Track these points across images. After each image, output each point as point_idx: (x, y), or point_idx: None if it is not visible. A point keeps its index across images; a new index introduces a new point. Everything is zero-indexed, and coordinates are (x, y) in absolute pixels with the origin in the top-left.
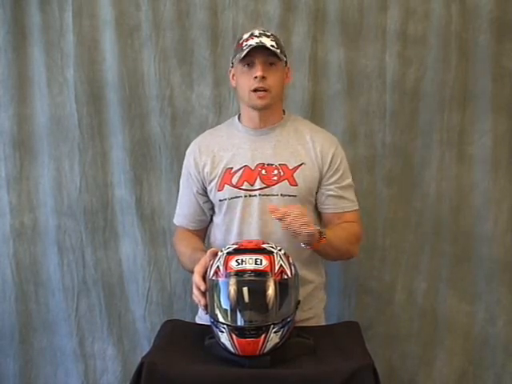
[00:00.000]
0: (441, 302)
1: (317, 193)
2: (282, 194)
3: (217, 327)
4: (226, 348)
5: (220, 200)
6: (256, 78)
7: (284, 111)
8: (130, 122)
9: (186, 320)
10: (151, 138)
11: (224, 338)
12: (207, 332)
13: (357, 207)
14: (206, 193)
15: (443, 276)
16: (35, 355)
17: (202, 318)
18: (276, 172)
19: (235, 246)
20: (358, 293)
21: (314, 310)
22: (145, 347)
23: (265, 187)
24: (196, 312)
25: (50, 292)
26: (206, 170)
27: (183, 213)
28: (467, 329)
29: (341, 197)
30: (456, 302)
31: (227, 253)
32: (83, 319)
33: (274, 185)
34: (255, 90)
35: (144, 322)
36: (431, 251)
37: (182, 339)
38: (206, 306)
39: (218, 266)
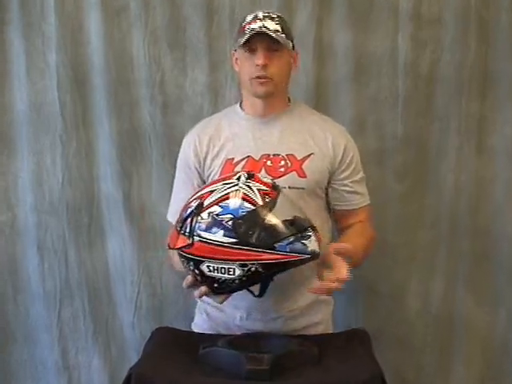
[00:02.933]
0: (458, 306)
1: (326, 187)
2: (289, 187)
3: None
4: None
5: None
6: (258, 65)
7: (289, 98)
8: (118, 110)
9: (179, 328)
10: (141, 128)
11: None
12: (202, 341)
13: (369, 201)
14: None
15: (460, 277)
16: (14, 366)
17: (198, 324)
18: (283, 163)
19: None
20: (367, 296)
21: (322, 315)
22: (133, 357)
23: (271, 179)
24: (191, 319)
25: (29, 296)
26: (208, 161)
27: (179, 209)
28: (487, 335)
29: (354, 192)
30: (474, 306)
31: None
32: (66, 327)
33: (280, 177)
34: (257, 77)
35: (133, 330)
36: (447, 250)
37: (175, 348)
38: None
39: None
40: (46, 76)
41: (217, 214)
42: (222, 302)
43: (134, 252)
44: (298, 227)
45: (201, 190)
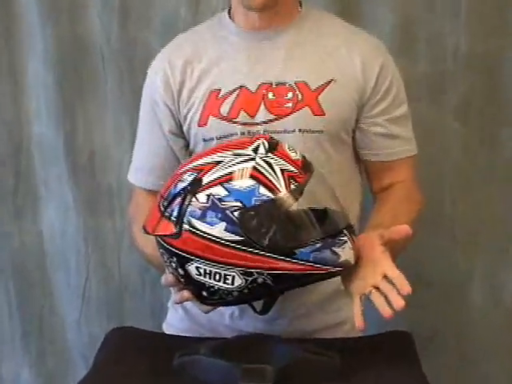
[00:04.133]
0: None
1: (354, 129)
2: (300, 130)
3: None
4: None
5: (204, 140)
6: None
7: (301, 3)
8: (55, 18)
9: (145, 328)
10: (89, 44)
11: None
12: (178, 346)
13: (416, 150)
14: (184, 132)
15: None
16: None
17: (172, 324)
18: (290, 95)
19: None
20: (414, 287)
21: (346, 313)
22: (79, 369)
23: (273, 119)
24: (163, 316)
25: None
26: (184, 94)
27: (146, 166)
28: None
29: (393, 135)
30: None
31: None
32: None
33: (287, 115)
34: None
35: (78, 331)
36: None
37: (139, 357)
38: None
39: None
40: None
41: (219, 199)
42: (208, 312)
43: (79, 222)
44: (330, 227)
45: (200, 157)
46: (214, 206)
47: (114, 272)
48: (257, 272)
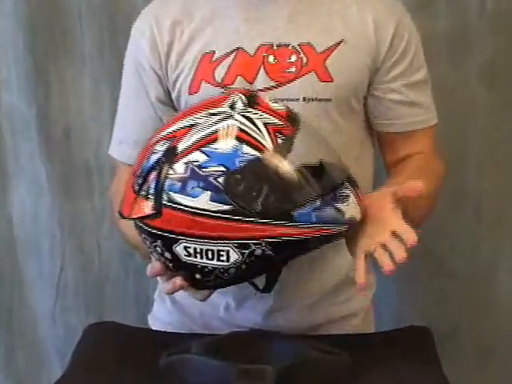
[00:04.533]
0: None
1: (366, 96)
2: (305, 98)
3: None
4: None
5: None
6: None
7: None
8: None
9: (128, 323)
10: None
11: None
12: (166, 344)
13: (436, 119)
14: (173, 100)
15: None
16: None
17: (158, 317)
18: (294, 58)
19: None
20: (431, 276)
21: (355, 304)
22: (54, 367)
23: (274, 86)
24: (148, 309)
25: None
26: (173, 57)
27: (131, 138)
28: None
29: (411, 103)
30: None
31: None
32: None
33: (290, 81)
34: None
35: (53, 326)
36: None
37: (121, 356)
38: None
39: None
40: None
41: (199, 166)
42: (205, 299)
43: (53, 203)
44: (328, 182)
45: (171, 124)
46: (195, 175)
47: (93, 259)
48: (253, 243)
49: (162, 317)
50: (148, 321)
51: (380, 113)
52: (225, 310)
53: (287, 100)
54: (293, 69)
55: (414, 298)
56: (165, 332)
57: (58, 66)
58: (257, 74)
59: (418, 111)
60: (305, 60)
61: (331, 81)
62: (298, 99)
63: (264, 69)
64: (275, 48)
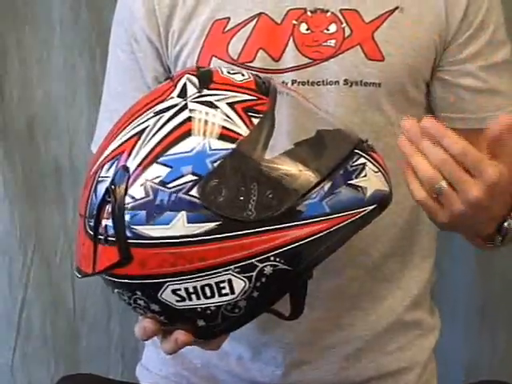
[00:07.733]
0: None
1: (429, 83)
2: (347, 81)
3: None
4: None
5: None
6: None
7: None
8: None
9: (110, 376)
10: None
11: None
12: None
13: None
14: None
15: None
16: None
17: (149, 368)
18: (334, 28)
19: None
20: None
21: (413, 353)
22: None
23: (307, 64)
24: (136, 357)
25: None
26: (175, 26)
27: None
28: None
29: (491, 90)
30: None
31: None
32: None
33: (328, 58)
34: None
35: (10, 379)
36: None
37: None
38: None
39: None
40: None
41: (162, 182)
42: (218, 348)
43: (13, 215)
44: (333, 156)
45: (112, 138)
46: (159, 195)
47: (65, 289)
48: (258, 260)
49: (154, 368)
50: (136, 372)
51: (449, 104)
52: (236, 362)
53: (323, 83)
54: (332, 42)
55: (491, 344)
56: None
57: (19, 33)
58: (284, 47)
59: (502, 101)
60: (348, 31)
61: (381, 59)
62: (337, 82)
63: (294, 41)
64: (309, 14)
